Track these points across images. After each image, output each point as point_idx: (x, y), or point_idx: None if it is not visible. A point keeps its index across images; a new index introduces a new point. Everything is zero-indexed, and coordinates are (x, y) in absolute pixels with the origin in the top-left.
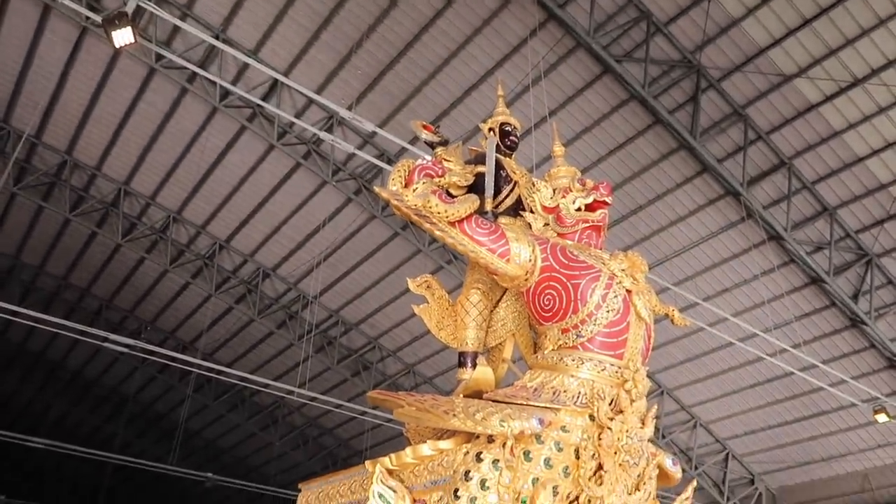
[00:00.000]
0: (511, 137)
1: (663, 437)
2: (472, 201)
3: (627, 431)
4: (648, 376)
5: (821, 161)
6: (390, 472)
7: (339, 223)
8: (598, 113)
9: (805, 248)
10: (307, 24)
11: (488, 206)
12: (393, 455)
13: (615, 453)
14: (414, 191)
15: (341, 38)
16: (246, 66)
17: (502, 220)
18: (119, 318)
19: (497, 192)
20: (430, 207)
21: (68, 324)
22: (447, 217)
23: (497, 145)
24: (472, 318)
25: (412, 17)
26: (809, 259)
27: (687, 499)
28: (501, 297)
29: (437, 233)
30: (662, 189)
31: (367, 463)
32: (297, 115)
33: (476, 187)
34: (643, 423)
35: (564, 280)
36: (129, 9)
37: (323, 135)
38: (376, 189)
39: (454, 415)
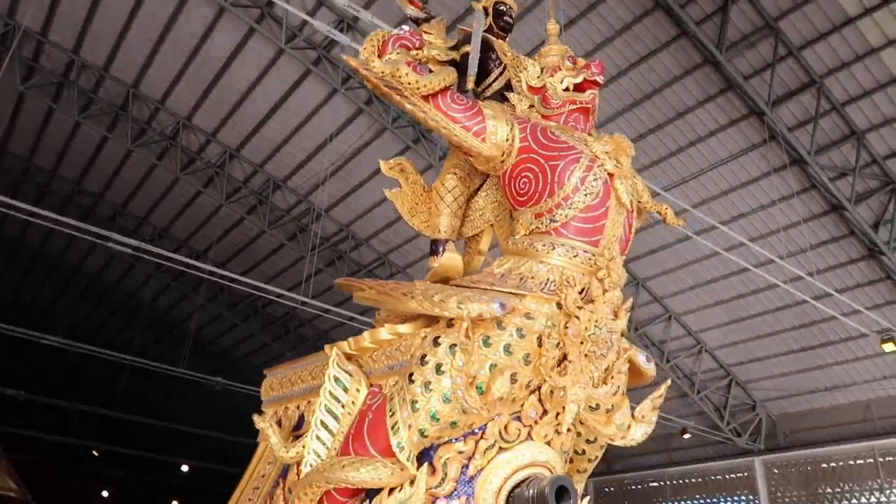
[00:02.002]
0: (505, 18)
1: (668, 361)
2: (447, 73)
3: (597, 322)
4: (657, 300)
5: (853, 81)
6: (349, 356)
7: (349, 135)
8: (620, 22)
9: (828, 173)
10: None
11: (470, 85)
12: (351, 339)
13: (581, 343)
14: (389, 62)
15: None
16: None
17: (487, 103)
18: (133, 224)
19: (486, 74)
20: (400, 77)
21: (82, 225)
22: (418, 89)
23: (490, 26)
24: (446, 205)
25: None
26: (832, 185)
27: (659, 396)
28: (481, 185)
29: (408, 106)
30: (684, 107)
31: (326, 347)
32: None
33: (463, 68)
34: (616, 315)
35: (542, 161)
36: None
37: (333, 32)
38: (344, 58)
39: (412, 297)
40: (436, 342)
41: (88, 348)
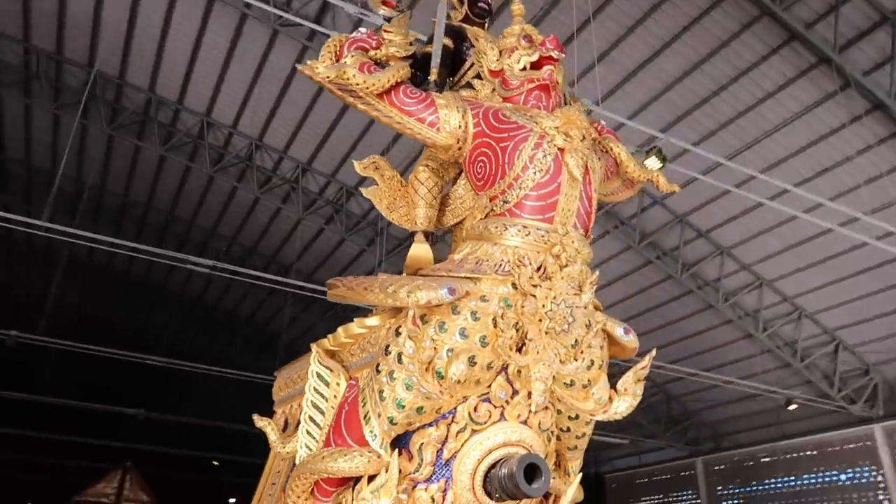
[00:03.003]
0: (480, 4)
1: (764, 329)
2: (397, 69)
3: (554, 298)
4: (745, 268)
5: None
6: (332, 352)
7: None
8: None
9: None
10: None
11: (433, 77)
12: (331, 335)
13: (539, 321)
14: (344, 65)
15: None
16: None
17: (443, 93)
18: (224, 245)
19: (461, 63)
20: (347, 79)
21: (158, 251)
22: (367, 88)
23: (466, 14)
24: (420, 197)
25: None
26: None
27: (643, 368)
28: (460, 173)
29: (361, 106)
30: (746, 64)
31: (312, 345)
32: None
33: (438, 61)
34: (580, 290)
35: (494, 144)
36: None
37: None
38: (298, 67)
39: (370, 290)
40: (398, 332)
41: (195, 366)
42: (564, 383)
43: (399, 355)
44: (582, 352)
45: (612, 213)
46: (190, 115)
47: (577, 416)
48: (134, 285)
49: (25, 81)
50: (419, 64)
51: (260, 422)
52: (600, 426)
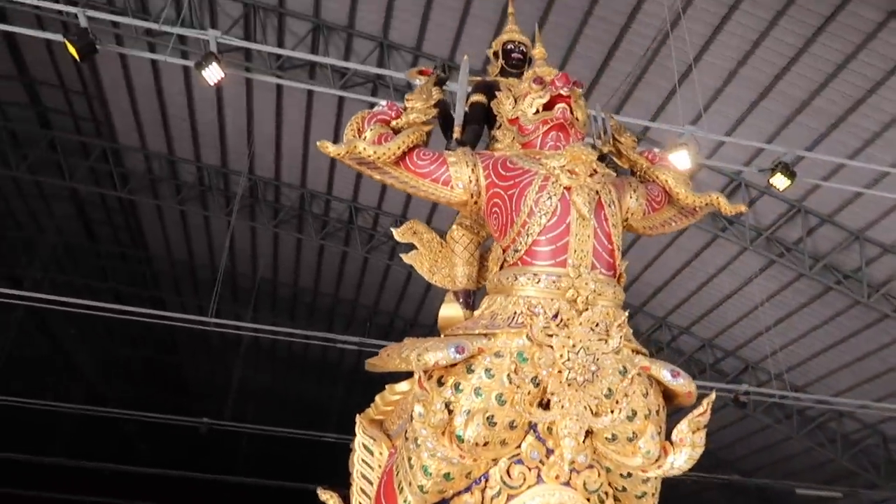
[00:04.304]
0: (514, 55)
1: None
2: (407, 135)
3: (573, 346)
4: None
5: None
6: (378, 422)
7: None
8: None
9: None
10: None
11: (456, 135)
12: (373, 405)
13: (559, 372)
14: (364, 139)
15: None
16: None
17: (456, 151)
18: (387, 321)
19: (495, 117)
20: (359, 153)
21: (345, 337)
22: (377, 158)
23: (501, 67)
24: (457, 255)
25: None
26: None
27: (701, 414)
28: None
29: (377, 177)
30: (852, 46)
31: (357, 416)
32: None
33: (465, 118)
34: (607, 334)
35: (503, 193)
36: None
37: None
38: (318, 144)
39: (390, 357)
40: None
41: None
42: (606, 438)
43: None
44: (618, 402)
45: (775, 241)
46: (339, 203)
47: (629, 475)
48: (311, 367)
49: (201, 196)
50: (451, 123)
51: (323, 495)
52: (803, 478)
